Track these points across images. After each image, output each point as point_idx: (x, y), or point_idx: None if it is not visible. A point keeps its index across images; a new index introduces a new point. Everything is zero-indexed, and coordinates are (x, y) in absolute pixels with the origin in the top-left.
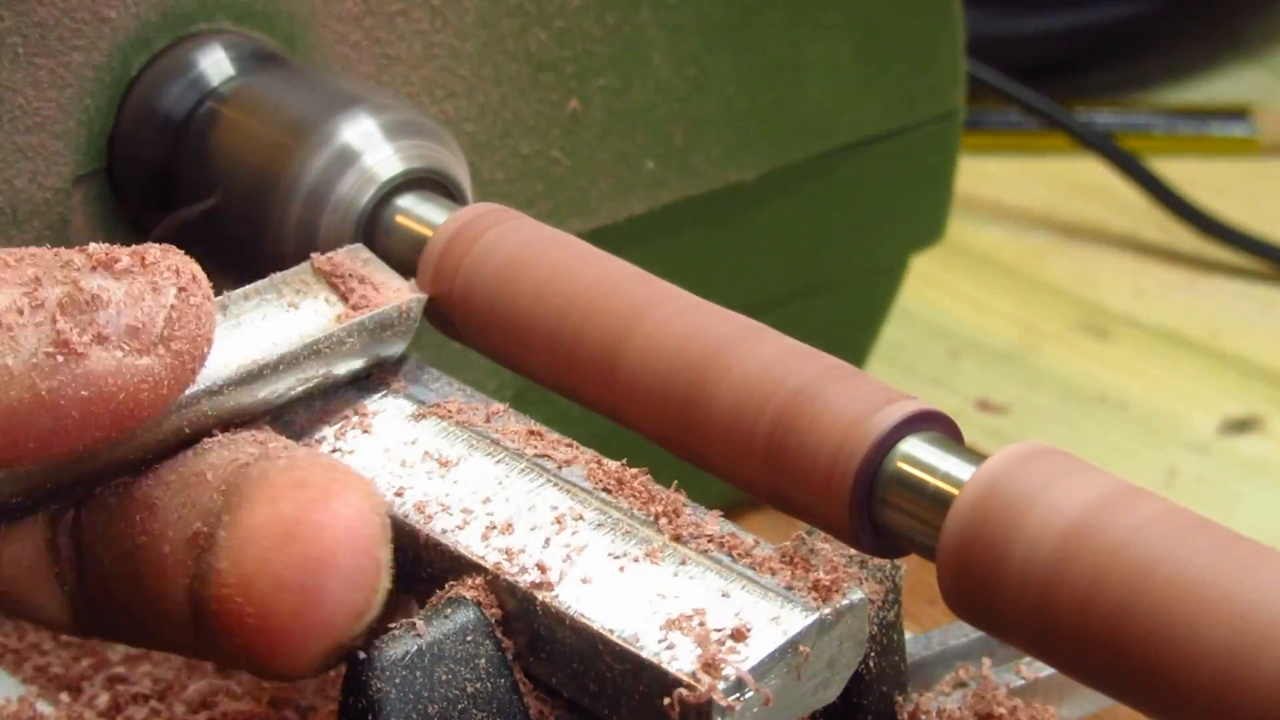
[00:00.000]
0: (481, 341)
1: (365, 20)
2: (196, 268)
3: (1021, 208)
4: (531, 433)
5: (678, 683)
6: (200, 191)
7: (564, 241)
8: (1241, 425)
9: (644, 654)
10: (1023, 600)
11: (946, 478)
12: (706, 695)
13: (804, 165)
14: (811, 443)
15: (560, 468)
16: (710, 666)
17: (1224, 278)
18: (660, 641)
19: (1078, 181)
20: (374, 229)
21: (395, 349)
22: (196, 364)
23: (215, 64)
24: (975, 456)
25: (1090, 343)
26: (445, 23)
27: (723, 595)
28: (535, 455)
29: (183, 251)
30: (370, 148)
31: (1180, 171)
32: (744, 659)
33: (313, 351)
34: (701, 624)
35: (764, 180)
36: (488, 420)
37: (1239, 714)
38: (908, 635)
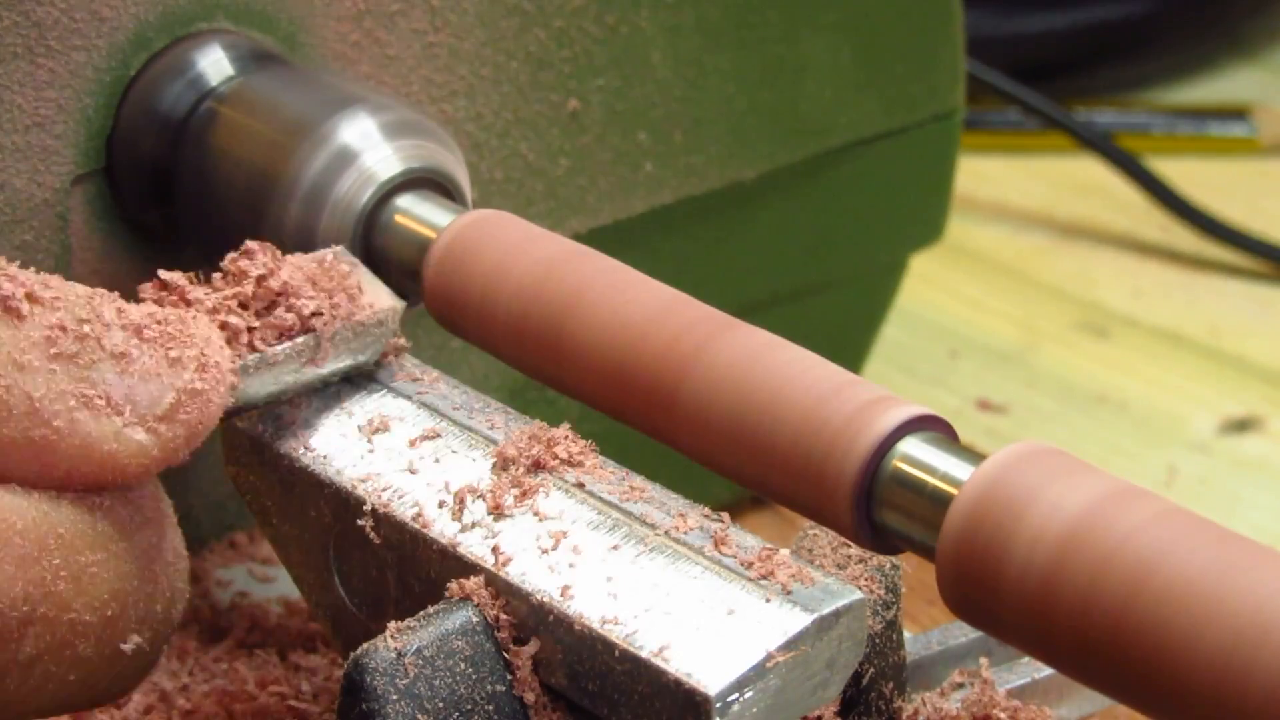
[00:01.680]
0: (487, 341)
1: (364, 20)
2: (221, 347)
3: (1021, 208)
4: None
5: (677, 683)
6: (199, 191)
7: (567, 245)
8: (1241, 425)
9: (643, 654)
10: (1022, 600)
11: (946, 477)
12: (705, 695)
13: (804, 165)
14: (816, 444)
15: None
16: (709, 666)
17: (1223, 277)
18: (659, 641)
19: (1077, 181)
20: (373, 228)
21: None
22: (189, 447)
23: (214, 64)
24: (974, 456)
25: (1090, 342)
26: (444, 23)
27: (722, 595)
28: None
29: (208, 319)
30: (369, 147)
31: (1180, 171)
32: (743, 659)
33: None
34: (700, 624)
35: (764, 180)
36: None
37: (1237, 713)
38: (908, 635)
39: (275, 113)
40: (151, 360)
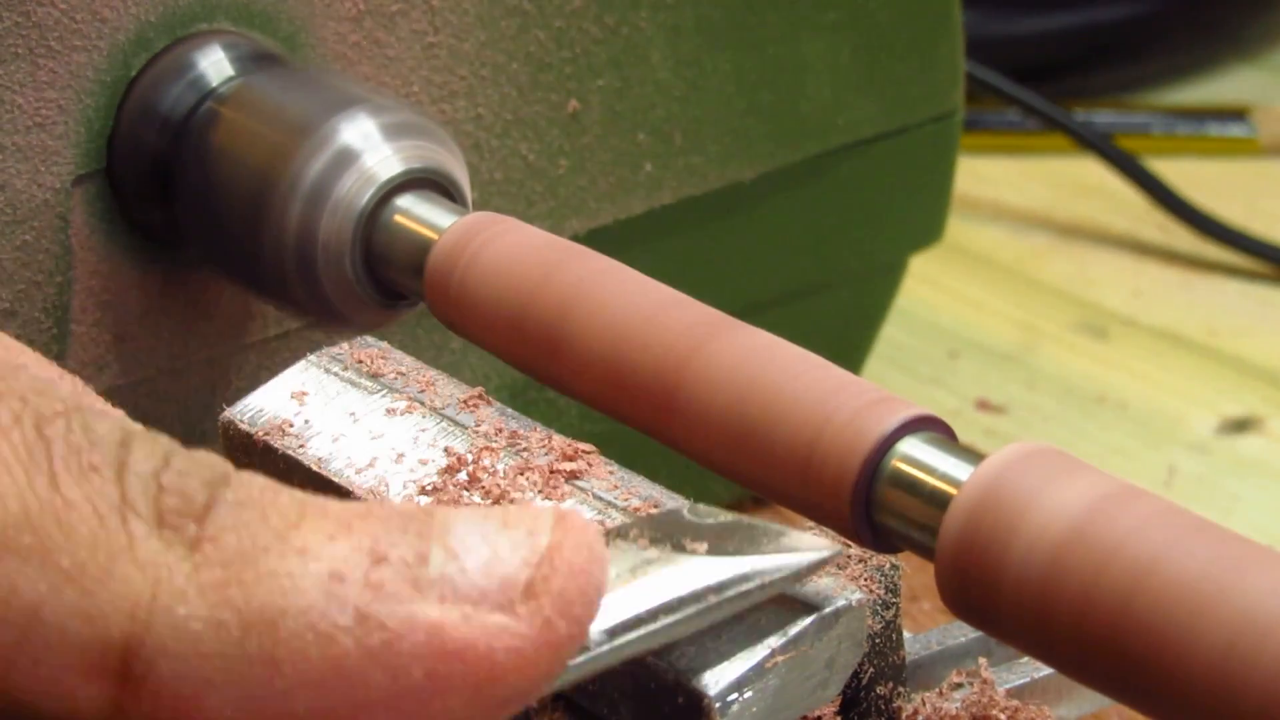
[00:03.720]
0: (487, 341)
1: (364, 21)
2: (585, 522)
3: (1021, 208)
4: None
5: (677, 683)
6: (199, 191)
7: (567, 247)
8: (1240, 425)
9: None
10: (1021, 600)
11: (945, 478)
12: (705, 695)
13: (803, 165)
14: (815, 444)
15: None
16: (709, 666)
17: (1223, 278)
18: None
19: (1077, 182)
20: (373, 229)
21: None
22: (574, 632)
23: (215, 64)
24: (974, 456)
25: (1089, 343)
26: (444, 23)
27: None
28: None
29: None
30: (370, 148)
31: (1179, 172)
32: (743, 659)
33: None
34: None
35: (763, 180)
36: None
37: (1236, 714)
38: (907, 635)
39: (276, 113)
40: (487, 529)
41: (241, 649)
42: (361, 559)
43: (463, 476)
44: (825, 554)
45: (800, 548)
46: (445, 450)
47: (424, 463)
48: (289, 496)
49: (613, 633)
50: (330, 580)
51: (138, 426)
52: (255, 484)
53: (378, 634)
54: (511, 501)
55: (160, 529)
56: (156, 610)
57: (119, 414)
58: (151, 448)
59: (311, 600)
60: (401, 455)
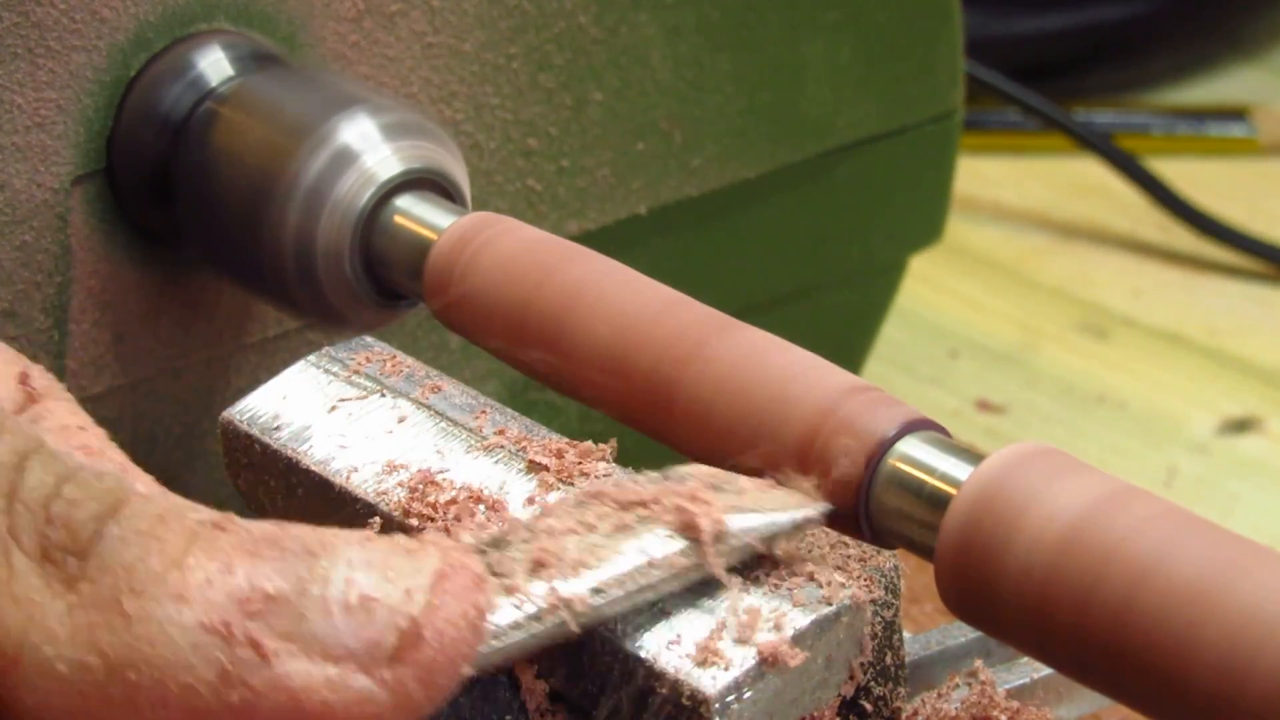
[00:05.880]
0: (487, 342)
1: (364, 21)
2: (471, 563)
3: (1020, 208)
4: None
5: (677, 683)
6: (199, 192)
7: (567, 247)
8: (1240, 425)
9: (642, 654)
10: (1020, 601)
11: (944, 478)
12: (705, 696)
13: (803, 165)
14: (814, 445)
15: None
16: (708, 667)
17: (1223, 278)
18: (659, 642)
19: (1076, 182)
20: (372, 229)
21: None
22: (435, 696)
23: (214, 64)
24: (973, 457)
25: (1089, 343)
26: (444, 24)
27: (721, 595)
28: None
29: (458, 540)
30: (369, 148)
31: (1179, 172)
32: (742, 659)
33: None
34: (700, 624)
35: (763, 180)
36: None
37: (1236, 714)
38: (907, 635)
39: (275, 113)
40: (370, 588)
41: (104, 692)
42: (235, 611)
43: (444, 499)
44: (811, 513)
45: (785, 507)
46: (423, 478)
47: (401, 483)
48: (180, 527)
49: (598, 590)
50: (199, 631)
51: (39, 442)
52: (146, 514)
53: (239, 692)
54: (458, 520)
55: (43, 564)
56: (26, 647)
57: (20, 427)
58: (45, 472)
59: (177, 653)
60: (393, 461)
